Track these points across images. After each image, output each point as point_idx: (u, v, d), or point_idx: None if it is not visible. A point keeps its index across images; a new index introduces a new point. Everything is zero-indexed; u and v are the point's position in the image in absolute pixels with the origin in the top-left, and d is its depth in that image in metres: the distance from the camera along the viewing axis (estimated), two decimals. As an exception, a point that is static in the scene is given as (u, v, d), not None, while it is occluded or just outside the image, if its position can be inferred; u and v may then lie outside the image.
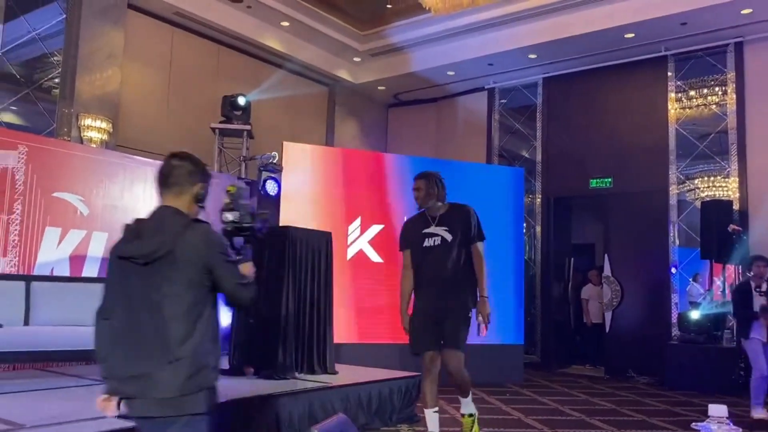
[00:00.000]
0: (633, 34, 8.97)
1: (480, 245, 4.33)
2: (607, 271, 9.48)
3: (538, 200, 10.48)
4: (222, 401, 4.03)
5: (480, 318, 4.18)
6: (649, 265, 9.25)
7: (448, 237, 4.23)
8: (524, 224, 9.51)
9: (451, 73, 10.78)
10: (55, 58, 8.16)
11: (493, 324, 7.86)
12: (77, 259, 5.83)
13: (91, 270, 5.90)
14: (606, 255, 9.63)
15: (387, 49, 10.67)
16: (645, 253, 9.31)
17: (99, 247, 6.00)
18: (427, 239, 4.26)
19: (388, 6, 9.70)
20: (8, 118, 7.77)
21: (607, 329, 9.42)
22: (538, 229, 10.41)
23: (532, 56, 9.93)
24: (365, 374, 5.60)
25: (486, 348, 7.85)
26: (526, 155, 10.82)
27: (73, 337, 4.58)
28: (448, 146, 11.58)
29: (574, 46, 9.46)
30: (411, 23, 9.93)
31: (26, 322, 4.75)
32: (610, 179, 9.82)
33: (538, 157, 10.59)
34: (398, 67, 10.93)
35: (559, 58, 9.91)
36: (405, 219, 7.74)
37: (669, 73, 9.42)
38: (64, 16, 8.15)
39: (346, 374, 5.56)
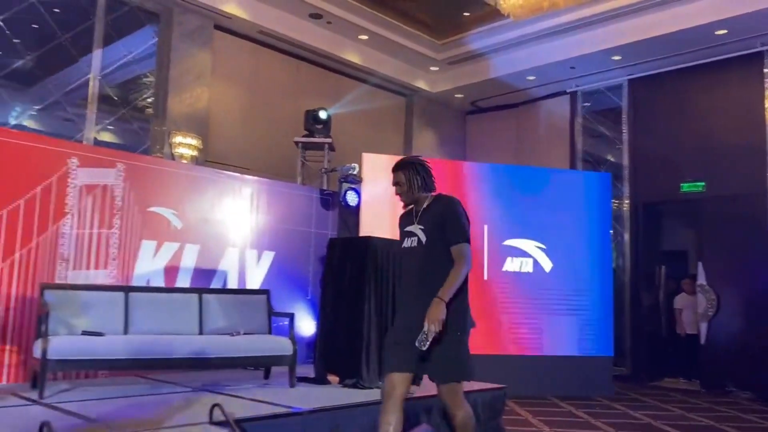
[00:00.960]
0: (725, 31, 8.53)
1: (458, 249, 3.39)
2: (701, 279, 9.01)
3: (626, 206, 10.11)
4: (308, 409, 4.12)
5: (426, 323, 3.22)
6: (749, 273, 8.71)
7: (423, 238, 3.48)
8: (611, 231, 9.19)
9: (531, 77, 10.60)
10: (148, 80, 8.63)
11: (580, 335, 7.74)
12: (171, 270, 6.11)
13: (183, 280, 6.16)
14: (700, 263, 9.16)
15: (465, 56, 10.63)
16: (743, 260, 8.78)
17: (191, 258, 6.26)
18: (407, 239, 3.57)
19: (466, 14, 9.67)
20: (106, 137, 8.28)
21: (703, 340, 8.94)
22: (627, 236, 10.04)
23: (617, 58, 9.63)
24: (448, 385, 5.55)
25: (573, 360, 7.66)
26: (612, 159, 10.48)
27: (168, 346, 4.81)
28: (530, 152, 11.38)
29: (661, 46, 9.10)
30: (489, 30, 9.86)
31: (125, 331, 5.01)
32: (702, 183, 9.36)
33: (625, 161, 10.24)
34: (476, 74, 10.87)
35: (645, 59, 9.56)
36: (485, 227, 7.77)
37: (766, 70, 8.89)
38: (156, 39, 8.61)
39: (430, 385, 5.50)
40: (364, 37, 10.02)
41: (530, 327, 7.65)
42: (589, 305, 7.89)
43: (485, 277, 7.64)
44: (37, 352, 4.41)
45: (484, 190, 7.84)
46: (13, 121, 7.52)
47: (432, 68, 11.15)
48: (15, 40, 7.46)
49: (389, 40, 10.13)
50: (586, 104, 10.89)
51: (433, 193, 3.63)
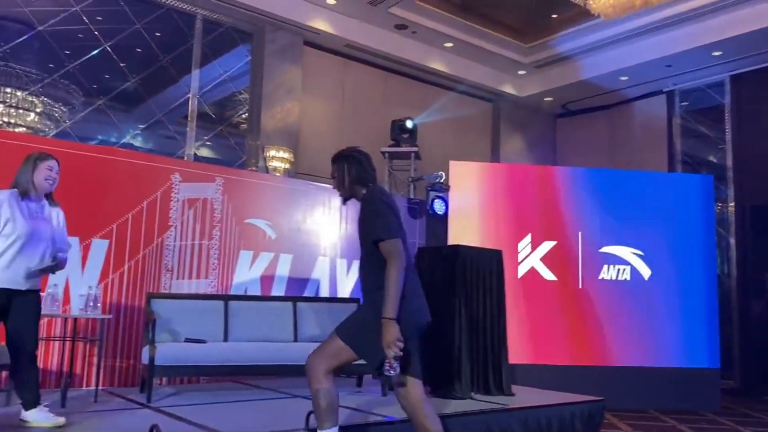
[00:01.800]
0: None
1: (384, 247, 3.01)
2: (819, 286, 8.36)
3: (731, 209, 9.54)
4: (401, 419, 4.12)
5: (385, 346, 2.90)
6: None
7: (357, 234, 3.25)
8: (715, 236, 8.69)
9: (624, 78, 10.23)
10: (243, 96, 8.99)
11: (684, 345, 7.35)
12: (267, 279, 6.32)
13: (278, 289, 6.36)
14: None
15: (553, 59, 10.41)
16: None
17: (285, 267, 6.46)
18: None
19: (553, 16, 9.47)
20: (205, 153, 8.69)
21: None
22: (732, 240, 9.47)
23: (717, 53, 9.13)
24: (544, 397, 5.42)
25: (676, 372, 7.28)
26: (714, 160, 9.93)
27: (264, 353, 4.97)
28: (624, 155, 10.96)
29: (765, 39, 8.54)
30: (578, 31, 9.61)
31: (225, 338, 5.22)
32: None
33: (729, 162, 9.67)
34: (566, 76, 10.61)
35: (748, 53, 9.02)
36: (579, 234, 7.54)
37: None
38: (249, 57, 8.97)
39: (524, 396, 5.42)
40: (450, 44, 10.02)
41: (630, 337, 7.34)
42: (692, 314, 7.48)
43: (580, 286, 7.41)
44: (145, 358, 4.67)
45: (577, 195, 7.61)
46: (121, 140, 8.03)
47: (519, 72, 10.99)
48: (121, 64, 7.99)
49: (475, 47, 10.08)
50: (684, 103, 10.39)
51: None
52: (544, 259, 7.43)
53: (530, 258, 7.42)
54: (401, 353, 2.91)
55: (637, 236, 7.53)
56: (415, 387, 3.14)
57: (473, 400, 5.10)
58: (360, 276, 3.27)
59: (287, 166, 8.41)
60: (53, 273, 3.86)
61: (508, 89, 11.21)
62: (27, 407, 3.56)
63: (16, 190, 3.56)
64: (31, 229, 3.50)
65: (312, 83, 9.38)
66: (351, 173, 3.25)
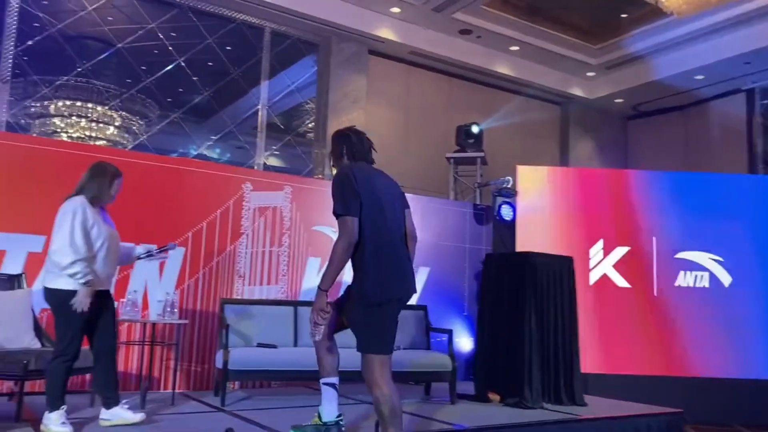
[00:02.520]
0: None
1: (338, 222, 3.13)
2: None
3: (819, 212, 8.97)
4: (470, 428, 4.09)
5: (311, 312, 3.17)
6: None
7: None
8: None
9: (699, 77, 9.84)
10: (309, 106, 9.16)
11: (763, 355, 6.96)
12: (335, 286, 6.28)
13: (345, 296, 6.42)
14: None
15: (624, 59, 10.13)
16: None
17: (350, 275, 6.50)
18: None
19: (623, 16, 9.21)
20: (274, 162, 8.90)
21: None
22: (822, 245, 8.89)
23: (801, 48, 8.65)
24: (618, 408, 5.25)
25: (762, 383, 6.90)
26: (800, 161, 9.40)
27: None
28: (700, 157, 10.52)
29: None
30: (650, 30, 9.31)
31: (295, 344, 5.31)
32: None
33: (816, 162, 9.13)
34: (637, 77, 10.29)
35: (837, 46, 8.51)
36: (654, 240, 7.28)
37: None
38: (316, 68, 9.13)
39: (597, 407, 5.26)
40: (515, 48, 9.90)
41: (710, 347, 7.01)
42: (777, 322, 7.09)
43: (655, 293, 7.14)
44: (219, 362, 4.81)
45: (651, 199, 7.35)
46: (194, 152, 8.32)
47: (588, 74, 10.74)
48: (194, 78, 8.28)
49: (541, 49, 9.92)
50: (765, 101, 9.89)
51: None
52: (617, 266, 7.21)
53: (602, 264, 7.21)
54: (325, 321, 3.19)
55: (716, 241, 7.20)
56: (374, 363, 3.12)
57: (544, 409, 5.00)
58: None
59: (353, 173, 8.47)
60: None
61: (577, 92, 10.97)
62: (108, 405, 3.72)
63: (83, 197, 3.66)
64: (109, 232, 3.68)
65: (377, 91, 9.45)
66: (336, 152, 3.44)
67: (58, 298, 3.51)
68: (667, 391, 6.42)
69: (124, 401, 3.83)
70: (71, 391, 4.84)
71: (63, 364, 3.52)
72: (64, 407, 3.53)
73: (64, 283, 3.50)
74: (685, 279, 7.17)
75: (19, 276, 4.63)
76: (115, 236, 3.77)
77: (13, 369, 3.75)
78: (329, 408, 3.46)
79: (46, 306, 4.92)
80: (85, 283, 3.47)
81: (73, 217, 3.51)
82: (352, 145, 3.43)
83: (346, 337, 4.92)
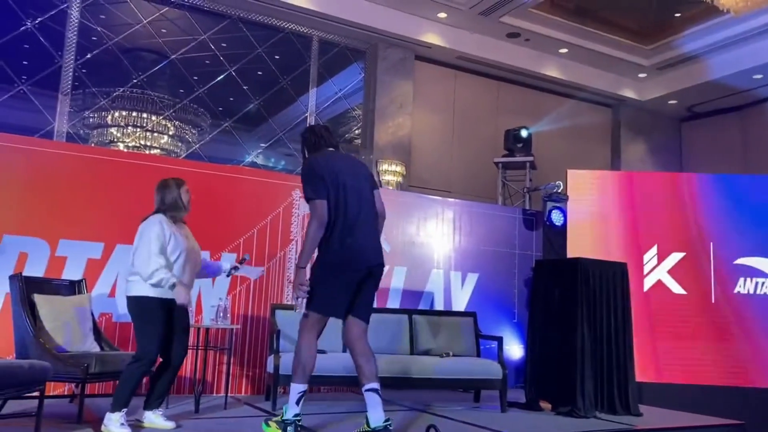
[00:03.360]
0: None
1: (308, 205, 3.62)
2: None
3: None
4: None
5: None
6: None
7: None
8: None
9: (758, 76, 9.51)
10: (356, 112, 9.22)
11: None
12: (382, 292, 6.39)
13: (393, 302, 6.43)
14: None
15: (677, 60, 9.87)
16: None
17: (400, 280, 6.52)
18: None
19: (676, 15, 8.98)
20: (322, 168, 8.96)
21: None
22: None
23: None
24: (675, 418, 5.10)
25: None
26: None
27: (382, 365, 5.01)
28: (759, 158, 10.15)
29: None
30: (704, 29, 9.06)
31: (344, 349, 5.32)
32: None
33: None
34: (692, 77, 10.01)
35: None
36: (711, 245, 7.05)
37: None
38: (363, 74, 9.19)
39: (652, 417, 5.12)
40: (564, 50, 9.76)
41: (772, 356, 6.75)
42: None
43: (712, 300, 6.91)
44: (270, 367, 4.87)
45: (708, 203, 7.13)
46: (245, 159, 8.48)
47: (640, 75, 10.50)
48: (244, 87, 8.45)
49: (591, 51, 9.75)
50: (830, 100, 9.47)
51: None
52: (672, 272, 7.01)
53: (657, 270, 7.03)
54: (307, 295, 3.58)
55: (779, 247, 6.94)
56: (352, 326, 3.70)
57: (598, 419, 4.89)
58: None
59: (400, 179, 8.51)
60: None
61: (629, 93, 10.73)
62: (149, 408, 3.84)
63: (161, 214, 3.86)
64: (187, 246, 3.85)
65: (423, 96, 9.45)
66: (302, 151, 3.89)
67: (139, 305, 3.72)
68: (727, 402, 6.19)
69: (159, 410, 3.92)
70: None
71: (139, 368, 3.67)
72: (125, 409, 3.64)
73: (145, 291, 3.69)
74: (744, 286, 6.93)
75: (80, 282, 4.80)
76: (193, 250, 3.93)
77: (75, 372, 3.89)
78: (375, 414, 3.59)
79: (106, 311, 5.12)
80: (172, 286, 3.65)
81: (150, 231, 3.72)
82: (309, 142, 3.85)
83: (384, 343, 4.88)
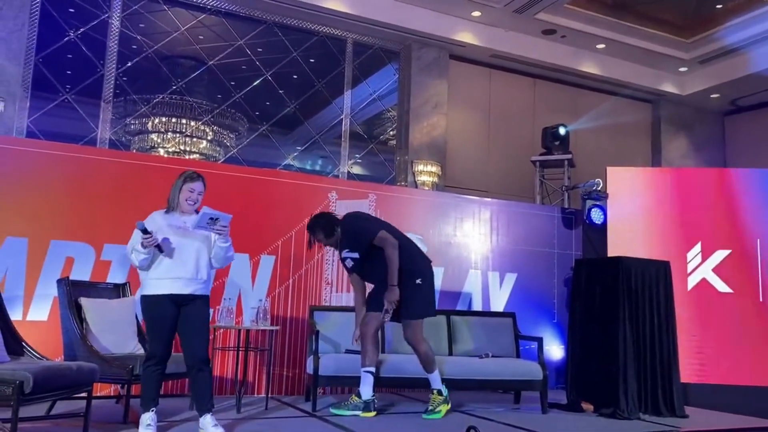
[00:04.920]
0: None
1: (378, 241, 4.56)
2: None
3: None
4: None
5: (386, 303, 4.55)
6: None
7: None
8: None
9: (805, 67, 9.21)
10: (390, 113, 9.23)
11: None
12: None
13: (431, 303, 6.40)
14: None
15: (719, 52, 9.63)
16: None
17: (437, 280, 6.47)
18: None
19: (718, 6, 8.76)
20: (357, 170, 9.02)
21: None
22: None
23: None
24: (722, 420, 4.97)
25: None
26: None
27: (419, 366, 5.01)
28: (808, 152, 9.83)
29: None
30: (748, 20, 8.83)
31: (382, 350, 5.33)
32: None
33: None
34: (735, 70, 9.75)
35: None
36: (758, 242, 6.84)
37: None
38: (397, 75, 9.20)
39: (699, 418, 5.00)
40: (602, 46, 9.60)
41: (824, 357, 6.52)
42: None
43: (760, 299, 6.71)
44: (309, 368, 4.91)
45: (754, 199, 6.93)
46: (282, 162, 8.57)
47: (681, 69, 10.27)
48: (280, 91, 8.54)
49: (629, 46, 9.58)
50: None
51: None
52: (717, 270, 6.83)
53: (701, 268, 6.85)
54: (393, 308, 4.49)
55: (830, 243, 6.70)
56: (420, 326, 4.60)
57: (641, 420, 4.80)
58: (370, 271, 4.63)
59: (435, 179, 8.48)
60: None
61: (669, 88, 10.50)
62: (199, 412, 3.74)
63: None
64: (182, 237, 3.73)
65: (458, 96, 9.41)
66: (327, 230, 4.60)
67: (142, 304, 3.76)
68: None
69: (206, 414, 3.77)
70: (164, 395, 5.10)
71: (146, 368, 3.69)
72: (154, 409, 3.65)
73: (146, 289, 3.72)
74: (794, 284, 6.71)
75: (124, 285, 4.91)
76: (192, 240, 3.75)
77: (120, 373, 3.98)
78: (367, 390, 4.47)
79: (149, 313, 5.22)
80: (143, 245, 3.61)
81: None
82: (327, 224, 4.60)
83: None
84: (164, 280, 3.67)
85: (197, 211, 3.82)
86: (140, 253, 3.64)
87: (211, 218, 3.68)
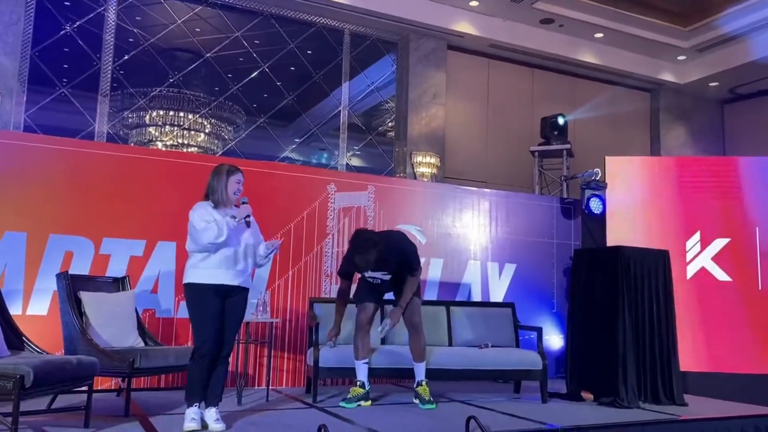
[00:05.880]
0: None
1: (418, 273, 4.80)
2: None
3: None
4: (564, 427, 3.99)
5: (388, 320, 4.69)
6: None
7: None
8: None
9: (803, 54, 9.19)
10: (389, 105, 9.21)
11: None
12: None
13: (430, 293, 6.42)
14: None
15: (718, 40, 9.59)
16: None
17: (437, 272, 6.51)
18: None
19: (717, -7, 8.73)
20: (355, 162, 9.01)
21: None
22: None
23: None
24: (721, 408, 4.98)
25: None
26: None
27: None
28: (807, 140, 9.82)
29: None
30: (746, 7, 8.78)
31: (382, 342, 5.33)
32: None
33: None
34: (733, 58, 9.72)
35: None
36: (757, 230, 6.85)
37: None
38: (395, 66, 9.17)
39: (698, 407, 5.02)
40: (600, 35, 9.57)
41: (823, 344, 6.54)
42: None
43: (759, 287, 6.72)
44: (309, 360, 4.92)
45: (753, 187, 6.93)
46: (280, 155, 8.56)
47: (679, 57, 10.23)
48: (278, 83, 8.51)
49: (627, 35, 9.54)
50: None
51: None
52: (717, 259, 6.84)
53: (700, 257, 6.87)
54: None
55: (829, 230, 6.71)
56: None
57: (641, 409, 4.81)
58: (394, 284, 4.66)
59: (434, 170, 8.47)
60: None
61: (668, 77, 10.48)
62: (206, 404, 3.72)
63: (204, 200, 3.81)
64: (234, 231, 3.73)
65: (456, 86, 9.38)
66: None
67: (187, 292, 3.71)
68: (776, 392, 6.04)
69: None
70: (166, 388, 5.12)
71: (193, 362, 3.67)
72: (197, 404, 3.62)
73: (193, 277, 3.68)
74: (793, 272, 6.72)
75: (123, 279, 4.92)
76: (244, 235, 3.79)
77: (121, 366, 3.99)
78: (363, 376, 4.60)
79: (149, 307, 5.24)
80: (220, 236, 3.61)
81: (192, 214, 3.71)
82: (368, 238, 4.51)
83: (428, 336, 4.88)
84: (214, 270, 3.66)
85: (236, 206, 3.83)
86: (220, 233, 3.60)
87: (247, 218, 3.82)
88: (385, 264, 4.47)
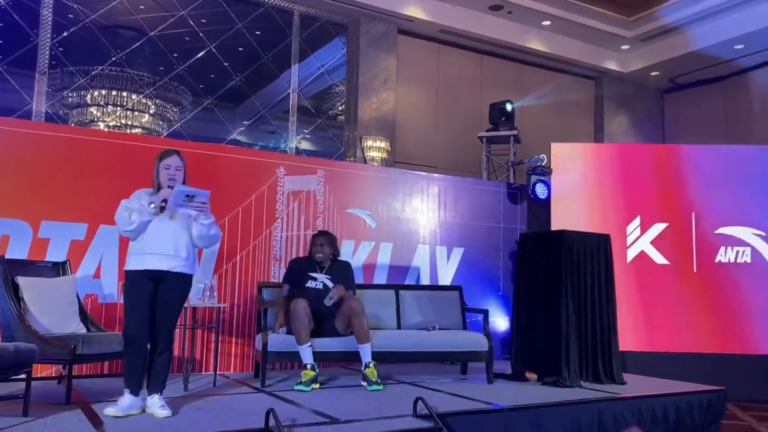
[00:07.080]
0: None
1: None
2: None
3: None
4: (509, 406, 4.10)
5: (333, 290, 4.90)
6: None
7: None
8: None
9: (739, 46, 9.55)
10: (339, 88, 9.15)
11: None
12: (369, 268, 6.43)
13: (380, 277, 6.46)
14: None
15: (660, 31, 9.87)
16: None
17: (386, 255, 6.55)
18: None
19: (659, -15, 8.96)
20: (305, 145, 8.93)
21: None
22: None
23: None
24: (658, 386, 5.20)
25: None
26: None
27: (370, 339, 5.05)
28: (741, 129, 10.24)
29: None
30: (687, -1, 9.04)
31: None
32: None
33: None
34: (674, 48, 10.02)
35: None
36: (693, 215, 7.13)
37: None
38: (345, 50, 9.10)
39: (636, 385, 5.22)
40: (547, 22, 9.72)
41: (753, 323, 6.88)
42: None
43: (694, 270, 7.02)
44: (258, 344, 4.89)
45: (690, 174, 7.21)
46: (228, 137, 8.40)
47: (623, 47, 10.50)
48: (225, 63, 8.33)
49: (574, 23, 9.72)
50: (810, 70, 9.54)
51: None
52: (655, 242, 7.10)
53: (640, 241, 7.11)
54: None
55: (759, 216, 7.04)
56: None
57: (582, 388, 4.98)
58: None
59: (384, 155, 8.48)
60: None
61: (611, 66, 10.74)
62: (149, 391, 3.68)
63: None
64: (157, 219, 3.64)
65: (407, 71, 9.39)
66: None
67: (124, 280, 3.67)
68: (709, 369, 6.34)
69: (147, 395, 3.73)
70: (109, 375, 5.01)
71: (125, 350, 3.64)
72: (128, 390, 3.56)
73: (128, 265, 3.65)
74: (726, 255, 7.04)
75: (63, 263, 4.76)
76: (180, 218, 3.68)
77: (62, 353, 3.88)
78: (309, 359, 4.66)
79: (91, 292, 5.09)
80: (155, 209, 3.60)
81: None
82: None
83: (371, 318, 4.93)
84: (143, 255, 3.60)
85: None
86: (130, 222, 3.56)
87: (188, 195, 3.60)
88: (337, 274, 5.00)
